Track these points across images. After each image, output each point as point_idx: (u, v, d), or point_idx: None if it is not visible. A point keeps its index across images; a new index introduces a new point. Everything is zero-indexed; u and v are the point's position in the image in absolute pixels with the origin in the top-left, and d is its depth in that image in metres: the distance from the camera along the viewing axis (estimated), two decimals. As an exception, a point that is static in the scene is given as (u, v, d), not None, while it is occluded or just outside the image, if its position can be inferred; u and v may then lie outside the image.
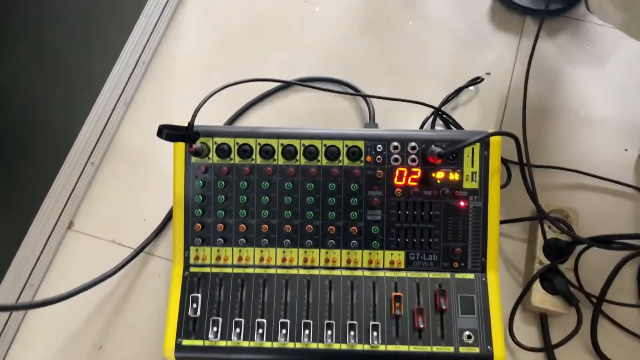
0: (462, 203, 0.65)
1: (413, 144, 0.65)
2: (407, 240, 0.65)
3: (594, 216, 0.76)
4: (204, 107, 0.58)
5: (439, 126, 0.80)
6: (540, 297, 0.69)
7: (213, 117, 0.78)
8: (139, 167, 0.78)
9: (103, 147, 0.78)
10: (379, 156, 0.64)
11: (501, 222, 0.72)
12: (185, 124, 0.61)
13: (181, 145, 0.62)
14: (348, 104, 0.82)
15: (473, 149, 0.65)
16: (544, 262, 0.71)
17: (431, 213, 0.65)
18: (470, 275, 0.65)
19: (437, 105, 0.80)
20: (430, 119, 0.79)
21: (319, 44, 0.87)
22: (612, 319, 0.70)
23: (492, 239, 0.65)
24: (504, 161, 0.76)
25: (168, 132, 0.54)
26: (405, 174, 0.65)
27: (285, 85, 0.83)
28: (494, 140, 0.65)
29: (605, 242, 0.64)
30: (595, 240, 0.64)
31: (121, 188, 0.77)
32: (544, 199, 0.75)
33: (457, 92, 0.82)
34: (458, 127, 0.79)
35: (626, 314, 0.70)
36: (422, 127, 0.79)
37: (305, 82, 0.83)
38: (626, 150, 0.80)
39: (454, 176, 0.65)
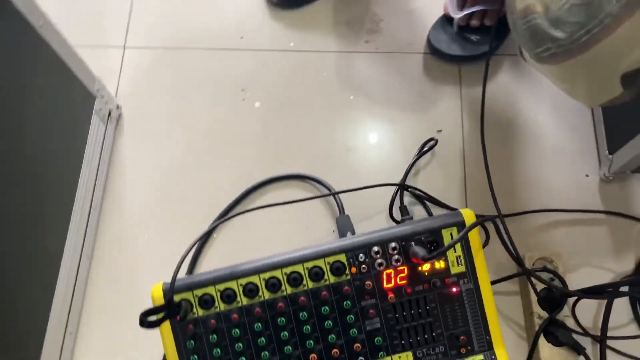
0: (454, 289, 0.65)
1: (393, 244, 0.64)
2: (410, 340, 0.64)
3: (577, 251, 0.78)
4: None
5: (407, 197, 0.80)
6: (548, 353, 0.70)
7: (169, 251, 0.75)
8: (119, 321, 0.75)
9: (77, 311, 0.74)
10: (364, 265, 0.64)
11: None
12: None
13: (166, 324, 0.60)
14: (314, 200, 0.81)
15: (451, 234, 0.65)
16: (542, 315, 0.72)
17: (427, 307, 0.64)
18: (480, 357, 0.65)
19: (398, 180, 0.80)
20: (398, 196, 0.79)
21: (268, 141, 0.85)
22: (619, 351, 0.72)
23: (491, 315, 0.65)
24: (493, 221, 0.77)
25: (150, 322, 0.52)
26: (392, 275, 0.64)
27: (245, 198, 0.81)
28: (470, 221, 0.65)
29: (596, 292, 0.65)
30: (586, 292, 0.66)
31: (106, 349, 0.74)
32: (525, 247, 0.77)
33: (415, 160, 0.82)
34: (426, 195, 0.79)
35: (630, 344, 0.72)
36: (391, 206, 0.79)
37: (267, 183, 0.82)
38: (587, 175, 0.82)
39: (439, 265, 0.65)
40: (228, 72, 0.90)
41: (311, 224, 0.80)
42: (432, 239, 0.65)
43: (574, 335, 0.70)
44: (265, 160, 0.84)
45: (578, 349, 0.69)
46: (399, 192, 0.79)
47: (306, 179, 0.82)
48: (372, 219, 0.80)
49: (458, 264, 0.65)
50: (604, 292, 0.64)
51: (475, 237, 0.65)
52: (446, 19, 0.90)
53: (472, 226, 0.61)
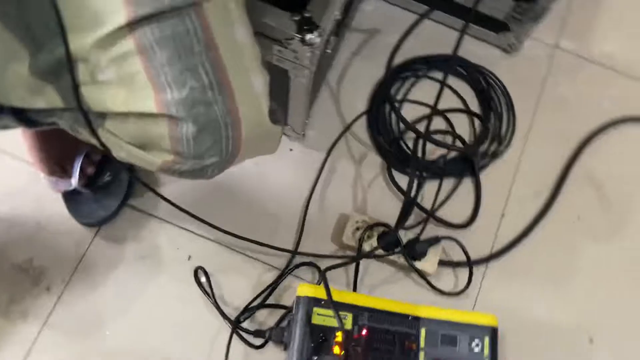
0: (364, 332, 0.67)
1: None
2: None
3: (361, 194, 0.85)
4: None
5: (248, 321, 0.76)
6: (430, 266, 0.78)
7: None
8: None
9: None
10: None
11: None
12: None
13: None
14: None
15: (318, 313, 0.66)
16: (401, 258, 0.78)
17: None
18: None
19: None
20: (241, 333, 0.75)
21: None
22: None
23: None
24: (311, 265, 0.79)
25: None
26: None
27: None
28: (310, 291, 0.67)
29: (404, 215, 0.75)
30: (401, 221, 0.75)
31: None
32: (336, 239, 0.82)
33: (213, 296, 0.77)
34: (255, 302, 0.77)
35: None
36: (249, 344, 0.75)
37: None
38: (291, 150, 0.87)
39: (339, 338, 0.66)
40: None
41: None
42: (316, 335, 0.66)
43: (424, 237, 0.79)
44: None
45: (437, 241, 0.78)
46: (236, 329, 0.75)
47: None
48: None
49: (344, 318, 0.67)
50: (406, 209, 0.75)
51: (333, 291, 0.67)
52: (70, 193, 0.80)
53: (331, 304, 0.62)
